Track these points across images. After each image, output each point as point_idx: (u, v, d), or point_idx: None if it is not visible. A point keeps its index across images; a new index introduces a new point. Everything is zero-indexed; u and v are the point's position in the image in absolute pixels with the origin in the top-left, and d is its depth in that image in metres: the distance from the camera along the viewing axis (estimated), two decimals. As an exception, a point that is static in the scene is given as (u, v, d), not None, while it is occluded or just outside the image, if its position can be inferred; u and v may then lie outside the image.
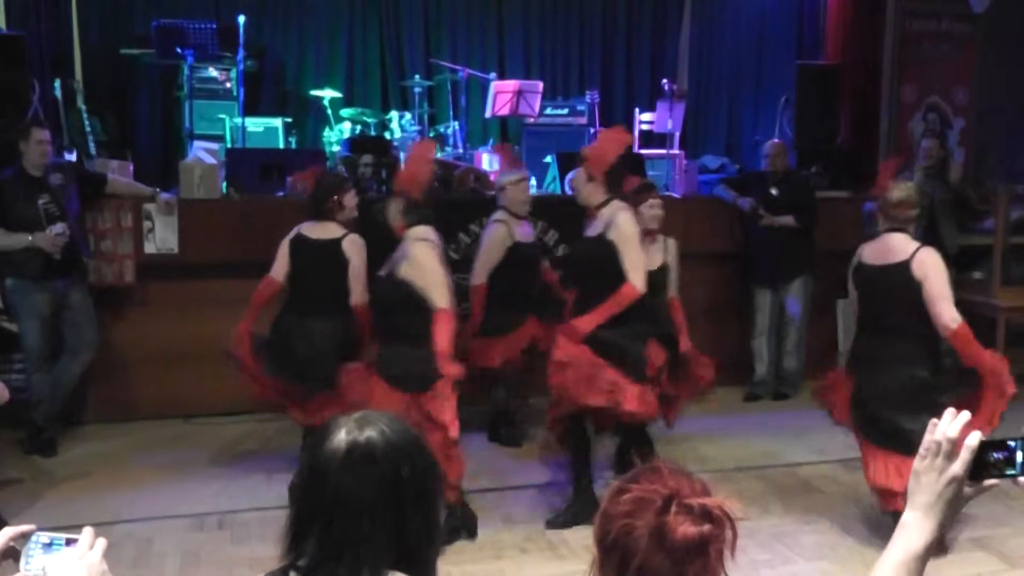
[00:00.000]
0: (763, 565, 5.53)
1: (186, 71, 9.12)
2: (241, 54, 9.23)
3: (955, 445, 1.85)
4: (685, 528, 1.74)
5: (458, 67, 10.18)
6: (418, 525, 2.04)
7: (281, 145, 9.45)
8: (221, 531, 5.97)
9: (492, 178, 9.17)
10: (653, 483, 1.80)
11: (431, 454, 2.14)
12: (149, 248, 7.69)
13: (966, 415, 1.89)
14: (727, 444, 7.58)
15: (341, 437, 2.06)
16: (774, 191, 8.61)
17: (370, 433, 2.05)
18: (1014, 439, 1.87)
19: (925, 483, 1.87)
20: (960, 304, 5.58)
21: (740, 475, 7.01)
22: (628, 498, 1.81)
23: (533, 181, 9.48)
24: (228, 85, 9.51)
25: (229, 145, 9.06)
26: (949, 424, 1.87)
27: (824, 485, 6.84)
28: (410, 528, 2.02)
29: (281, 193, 8.09)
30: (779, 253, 8.49)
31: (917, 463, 1.88)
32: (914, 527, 1.87)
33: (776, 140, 9.21)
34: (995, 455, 1.87)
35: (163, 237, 7.70)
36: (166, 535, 5.86)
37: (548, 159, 9.37)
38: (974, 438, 1.85)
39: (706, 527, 1.74)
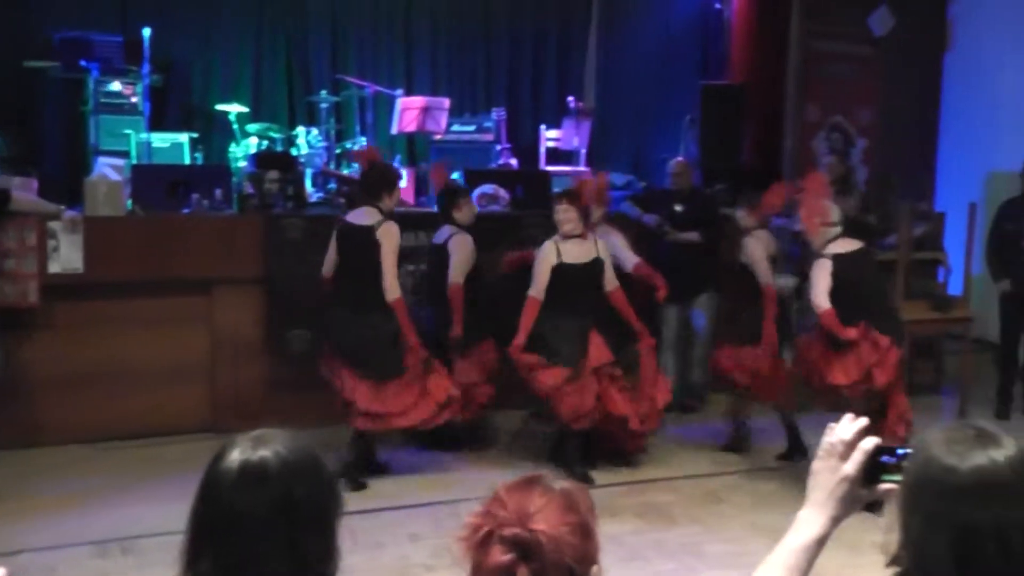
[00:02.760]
0: (668, 575, 5.61)
1: (91, 85, 8.97)
2: (147, 68, 9.09)
3: (848, 447, 2.00)
4: (493, 556, 1.83)
5: (365, 83, 10.15)
6: (316, 546, 2.03)
7: (187, 161, 9.33)
8: (124, 557, 5.88)
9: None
10: (486, 508, 1.90)
11: (330, 475, 2.15)
12: (53, 267, 7.46)
13: (863, 420, 2.03)
14: (634, 456, 7.63)
15: (234, 456, 2.04)
16: (679, 208, 8.72)
17: (264, 452, 2.04)
18: (904, 447, 1.98)
19: (820, 481, 2.02)
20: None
21: (647, 487, 7.09)
22: (468, 522, 1.90)
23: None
24: (134, 100, 9.34)
25: (135, 161, 8.92)
26: (845, 427, 2.03)
27: (730, 495, 6.95)
28: (307, 548, 2.02)
29: (187, 210, 8.01)
30: (685, 268, 8.54)
31: (815, 463, 2.04)
32: (807, 521, 2.02)
33: (680, 158, 9.35)
34: (885, 459, 1.98)
35: (68, 256, 7.52)
36: (70, 563, 5.75)
37: (455, 176, 9.39)
38: (868, 442, 1.99)
39: (507, 557, 1.82)
